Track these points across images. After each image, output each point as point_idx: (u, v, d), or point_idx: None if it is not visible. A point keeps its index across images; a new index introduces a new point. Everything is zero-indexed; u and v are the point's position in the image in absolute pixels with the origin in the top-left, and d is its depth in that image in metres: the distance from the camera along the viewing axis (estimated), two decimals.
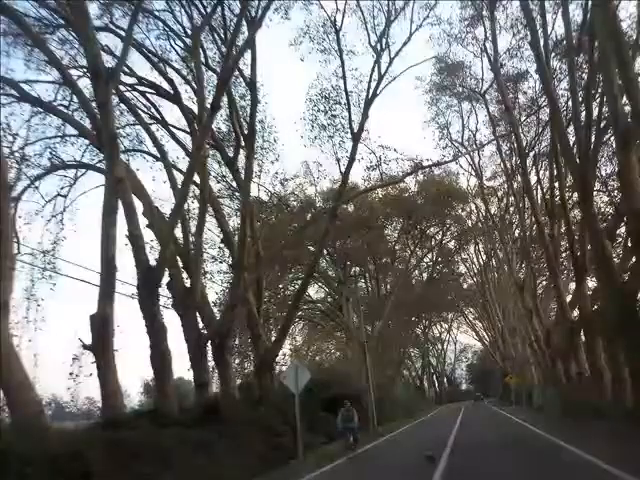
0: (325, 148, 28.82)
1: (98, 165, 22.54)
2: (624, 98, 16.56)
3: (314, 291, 46.65)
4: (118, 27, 21.90)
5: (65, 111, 22.30)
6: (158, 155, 23.33)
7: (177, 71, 24.19)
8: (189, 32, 22.72)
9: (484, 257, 53.64)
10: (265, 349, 23.50)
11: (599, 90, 21.38)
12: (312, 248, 34.46)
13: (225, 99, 22.22)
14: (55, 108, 21.96)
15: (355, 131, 24.86)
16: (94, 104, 18.65)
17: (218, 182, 27.35)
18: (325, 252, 38.05)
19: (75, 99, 21.24)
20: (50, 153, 22.95)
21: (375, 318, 43.67)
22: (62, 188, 23.84)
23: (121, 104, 22.54)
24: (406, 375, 77.23)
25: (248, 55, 22.32)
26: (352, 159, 24.98)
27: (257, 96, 23.17)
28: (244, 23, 21.15)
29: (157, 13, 23.33)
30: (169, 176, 22.22)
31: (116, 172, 16.42)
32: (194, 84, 22.49)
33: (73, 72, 21.34)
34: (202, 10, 22.38)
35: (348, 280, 42.39)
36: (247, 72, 23.33)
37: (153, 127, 23.90)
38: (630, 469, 9.29)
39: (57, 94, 22.12)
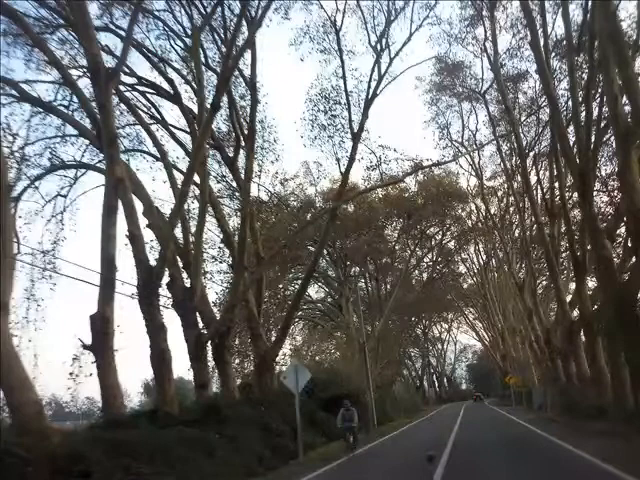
0: (325, 148, 28.87)
1: (98, 165, 22.57)
2: (624, 98, 16.55)
3: (314, 291, 46.76)
4: (118, 27, 21.98)
5: (65, 111, 22.32)
6: (158, 155, 23.34)
7: (177, 71, 24.22)
8: (189, 32, 22.74)
9: (484, 257, 53.68)
10: (265, 349, 23.51)
11: (599, 90, 21.39)
12: (312, 248, 34.51)
13: (225, 99, 22.22)
14: (55, 108, 21.99)
15: (355, 131, 24.86)
16: (94, 104, 18.69)
17: (218, 182, 27.41)
18: (325, 252, 38.07)
19: (75, 99, 21.28)
20: (50, 153, 23.03)
21: (375, 318, 43.69)
22: (62, 188, 23.94)
23: (121, 104, 22.57)
24: (406, 375, 77.24)
25: (248, 55, 22.37)
26: (352, 159, 24.99)
27: (257, 96, 23.20)
28: (244, 23, 21.18)
29: (157, 13, 23.40)
30: (169, 176, 22.22)
31: (116, 172, 16.45)
32: (194, 84, 22.49)
33: (73, 72, 21.44)
34: (202, 10, 22.42)
35: (348, 280, 42.41)
36: (247, 72, 23.40)
37: (153, 127, 23.94)
38: (627, 469, 9.30)
39: (57, 94, 22.20)
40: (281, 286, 38.81)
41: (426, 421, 39.79)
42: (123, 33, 20.60)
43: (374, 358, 38.11)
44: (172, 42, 23.84)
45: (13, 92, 20.74)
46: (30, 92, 21.07)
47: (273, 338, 26.78)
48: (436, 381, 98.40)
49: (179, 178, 21.81)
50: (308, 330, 49.85)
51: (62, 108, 22.32)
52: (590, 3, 19.69)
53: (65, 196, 23.93)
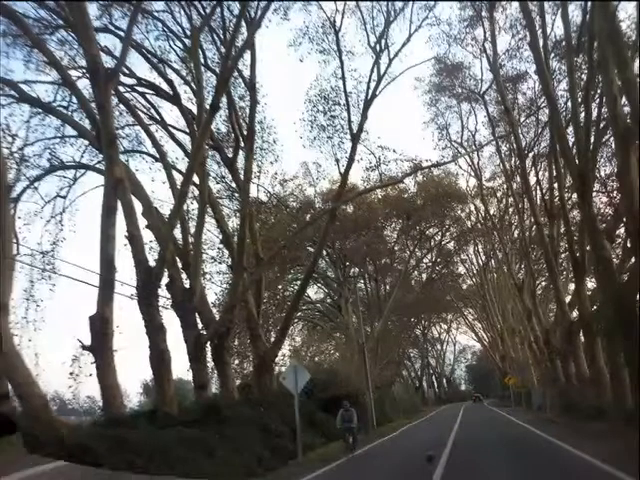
0: (324, 149, 28.93)
1: (97, 166, 22.58)
2: (623, 99, 16.56)
3: (313, 292, 46.74)
4: (117, 28, 21.95)
5: (64, 112, 22.31)
6: (157, 156, 23.35)
7: (176, 72, 24.20)
8: (188, 33, 22.74)
9: (483, 258, 53.69)
10: (264, 350, 23.49)
11: (598, 91, 21.40)
12: (311, 249, 34.52)
13: (224, 100, 22.22)
14: (54, 109, 21.99)
15: (354, 132, 24.86)
16: (93, 105, 18.69)
17: (217, 183, 27.40)
18: (324, 253, 38.06)
19: (74, 100, 21.27)
20: (49, 154, 23.02)
21: (374, 319, 43.69)
22: (61, 189, 23.92)
23: (120, 105, 22.57)
24: (405, 376, 77.20)
25: (247, 56, 22.38)
26: (351, 160, 25.00)
27: (256, 97, 23.20)
28: (243, 24, 21.17)
29: (156, 14, 23.37)
30: (168, 177, 22.22)
31: (115, 173, 16.49)
32: (193, 85, 22.50)
33: (72, 73, 21.39)
34: (201, 11, 22.41)
35: (347, 281, 42.42)
36: (246, 73, 23.40)
37: (152, 128, 23.94)
38: (627, 469, 9.30)
39: (56, 95, 22.20)
40: (280, 287, 38.80)
41: (425, 422, 39.75)
42: (122, 34, 20.58)
43: (373, 359, 38.09)
44: (171, 43, 23.89)
45: (12, 93, 20.75)
46: (29, 92, 21.10)
47: (272, 339, 26.76)
48: (435, 382, 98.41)
49: (178, 179, 21.81)
50: (307, 331, 49.83)
51: (61, 109, 22.32)
52: (589, 4, 19.71)
53: (64, 197, 23.92)
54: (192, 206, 24.67)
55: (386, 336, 44.06)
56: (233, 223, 27.91)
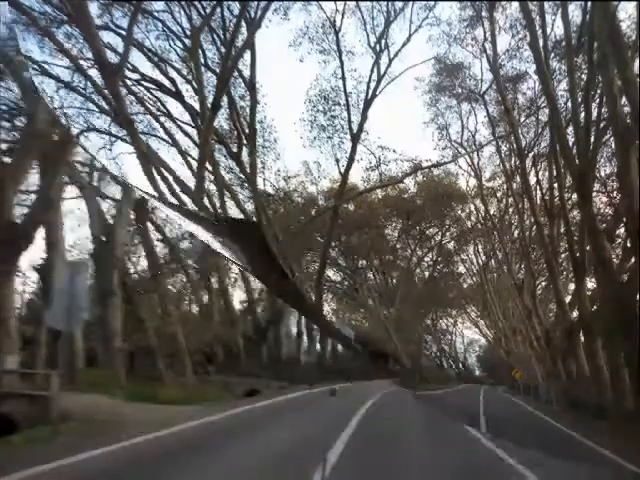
0: (324, 149, 29.16)
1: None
2: (623, 99, 16.58)
3: (332, 273, 47.77)
4: (118, 26, 22.05)
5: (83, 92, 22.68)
6: (170, 141, 23.83)
7: (177, 71, 24.38)
8: (188, 33, 22.82)
9: (483, 258, 53.68)
10: (310, 303, 24.94)
11: (598, 91, 21.41)
12: (321, 239, 34.86)
13: (225, 99, 22.32)
14: (75, 87, 22.35)
15: (354, 132, 24.94)
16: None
17: (227, 172, 27.72)
18: (333, 244, 38.42)
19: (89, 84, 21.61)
20: (83, 119, 23.54)
21: (389, 304, 44.35)
22: (105, 145, 24.86)
23: (130, 95, 22.93)
24: (427, 354, 78.63)
25: (247, 56, 22.51)
26: (351, 160, 25.21)
27: (256, 96, 23.31)
28: (243, 24, 21.26)
29: (156, 14, 23.47)
30: (184, 158, 22.96)
31: (141, 147, 17.28)
32: (194, 84, 22.59)
33: (83, 62, 21.64)
34: (201, 11, 22.48)
35: (357, 272, 43.02)
36: (246, 73, 23.50)
37: (162, 119, 24.42)
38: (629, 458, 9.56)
39: (73, 77, 22.46)
40: (304, 265, 39.48)
41: (453, 393, 41.07)
42: (123, 32, 20.68)
43: (396, 334, 39.13)
44: (171, 42, 24.05)
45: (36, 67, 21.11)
46: (50, 71, 21.48)
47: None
48: (453, 364, 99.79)
49: (193, 162, 22.55)
50: (336, 302, 51.52)
51: (80, 89, 22.65)
52: (589, 4, 19.73)
53: (110, 150, 24.94)
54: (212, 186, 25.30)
55: (402, 321, 44.63)
56: (249, 207, 28.41)
